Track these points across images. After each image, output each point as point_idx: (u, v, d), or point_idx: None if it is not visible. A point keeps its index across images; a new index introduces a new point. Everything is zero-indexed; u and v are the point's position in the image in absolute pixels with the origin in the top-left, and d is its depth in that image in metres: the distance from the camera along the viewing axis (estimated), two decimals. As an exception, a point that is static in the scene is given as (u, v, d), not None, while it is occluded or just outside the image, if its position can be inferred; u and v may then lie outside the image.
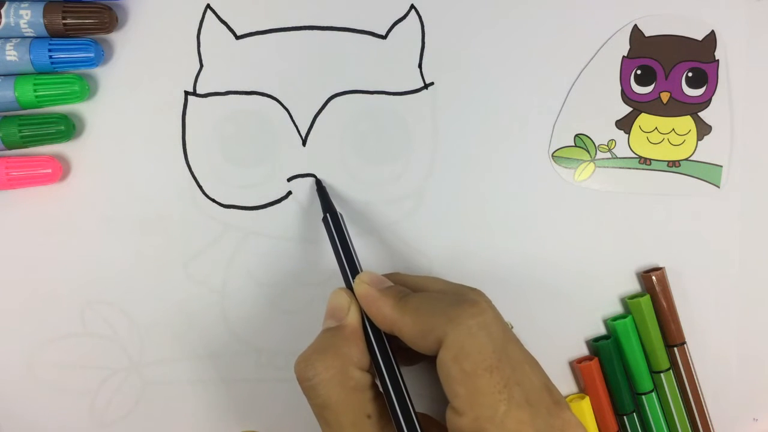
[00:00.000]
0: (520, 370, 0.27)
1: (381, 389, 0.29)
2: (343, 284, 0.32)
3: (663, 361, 0.40)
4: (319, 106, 0.37)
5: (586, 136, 0.39)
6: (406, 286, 0.31)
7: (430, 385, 0.36)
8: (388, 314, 0.29)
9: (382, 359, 0.29)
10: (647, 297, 0.39)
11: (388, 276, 0.32)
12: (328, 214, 0.34)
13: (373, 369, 0.30)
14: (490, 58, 0.38)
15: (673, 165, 0.40)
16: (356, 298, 0.30)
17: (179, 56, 0.36)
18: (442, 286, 0.32)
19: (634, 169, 0.39)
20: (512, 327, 0.30)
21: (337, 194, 0.38)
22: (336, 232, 0.33)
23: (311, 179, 0.37)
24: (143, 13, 0.36)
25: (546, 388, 0.27)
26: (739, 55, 0.39)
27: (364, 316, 0.30)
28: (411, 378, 0.31)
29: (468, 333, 0.26)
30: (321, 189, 0.36)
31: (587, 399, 0.39)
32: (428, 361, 0.34)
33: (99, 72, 0.36)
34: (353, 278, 0.31)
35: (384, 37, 0.37)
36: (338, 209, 0.35)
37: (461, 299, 0.28)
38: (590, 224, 0.39)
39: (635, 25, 0.39)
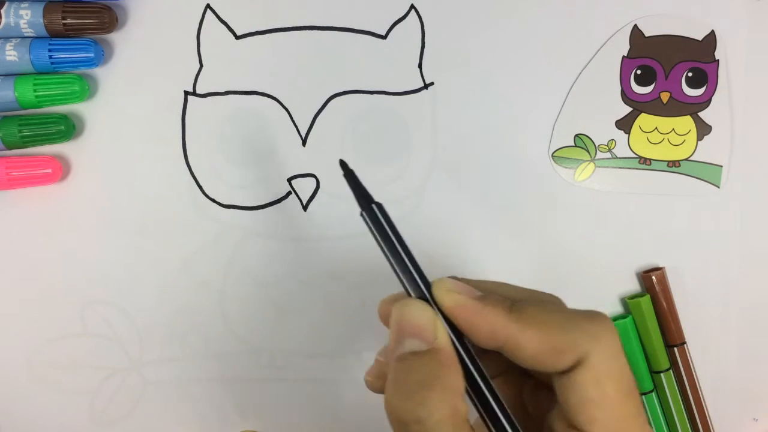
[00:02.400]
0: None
1: (484, 418, 0.25)
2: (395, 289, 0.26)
3: (663, 361, 0.40)
4: (319, 106, 0.37)
5: (586, 136, 0.39)
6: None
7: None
8: (502, 327, 0.24)
9: (483, 384, 0.24)
10: (647, 297, 0.39)
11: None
12: (374, 205, 0.26)
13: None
14: (490, 58, 0.38)
15: (673, 165, 0.40)
16: (437, 311, 0.25)
17: (179, 56, 0.36)
18: (522, 293, 0.27)
19: (634, 169, 0.39)
20: None
21: (337, 194, 0.38)
22: (389, 227, 0.25)
23: (312, 178, 0.37)
24: (143, 13, 0.36)
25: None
26: (739, 55, 0.39)
27: (452, 334, 0.25)
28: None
29: (611, 353, 0.24)
30: (350, 174, 0.27)
31: (587, 399, 0.39)
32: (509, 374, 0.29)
33: (99, 72, 0.36)
34: (425, 286, 0.25)
35: (384, 37, 0.37)
36: (336, 215, 0.34)
37: (593, 313, 0.25)
38: (590, 224, 0.39)
39: (635, 25, 0.39)
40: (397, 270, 0.25)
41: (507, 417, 0.24)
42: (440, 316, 0.24)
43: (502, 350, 0.24)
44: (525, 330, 0.24)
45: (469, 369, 0.24)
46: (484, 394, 0.24)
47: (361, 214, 0.26)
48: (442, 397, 0.23)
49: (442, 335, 0.24)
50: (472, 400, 0.25)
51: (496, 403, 0.24)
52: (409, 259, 0.25)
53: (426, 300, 0.25)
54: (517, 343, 0.24)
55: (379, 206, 0.26)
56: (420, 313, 0.24)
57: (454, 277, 0.26)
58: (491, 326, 0.24)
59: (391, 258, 0.25)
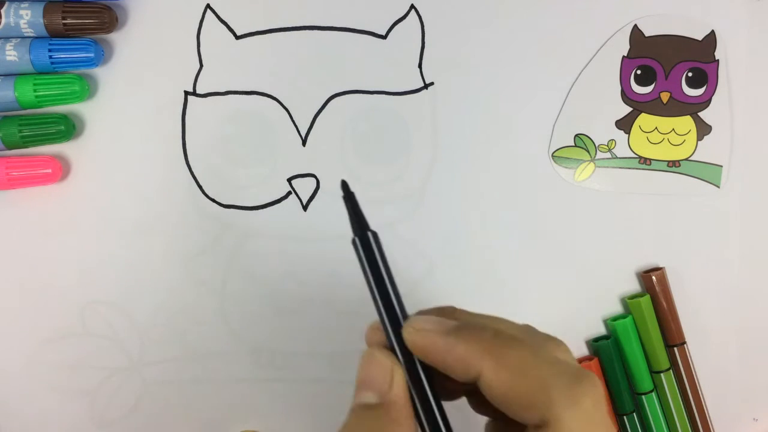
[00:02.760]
0: None
1: None
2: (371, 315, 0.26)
3: (663, 361, 0.40)
4: (319, 106, 0.37)
5: (586, 136, 0.39)
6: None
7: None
8: (475, 363, 0.22)
9: None
10: (647, 297, 0.39)
11: (440, 312, 0.25)
12: (369, 233, 0.24)
13: None
14: (490, 58, 0.38)
15: (673, 165, 0.40)
16: (399, 360, 0.23)
17: (179, 56, 0.36)
18: (514, 331, 0.25)
19: (634, 169, 0.39)
20: None
21: (337, 194, 0.37)
22: (378, 259, 0.24)
23: (312, 178, 0.37)
24: (143, 13, 0.36)
25: None
26: (739, 55, 0.39)
27: (410, 384, 0.23)
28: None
29: (586, 420, 0.21)
30: (350, 197, 0.25)
31: (587, 399, 0.39)
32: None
33: (99, 72, 0.36)
34: (396, 327, 0.24)
35: (384, 37, 0.37)
36: (336, 215, 0.33)
37: (580, 373, 0.22)
38: (590, 224, 0.39)
39: (635, 25, 0.39)
40: (377, 304, 0.24)
41: None
42: (403, 364, 0.23)
43: (466, 380, 0.23)
44: (499, 371, 0.22)
45: (433, 416, 0.23)
46: None
47: (353, 241, 0.24)
48: None
49: (398, 388, 0.23)
50: None
51: None
52: (395, 296, 0.24)
53: (399, 338, 0.23)
54: (488, 382, 0.22)
55: (375, 235, 0.24)
56: (377, 365, 0.23)
57: (444, 309, 0.25)
58: (463, 363, 0.22)
59: (373, 291, 0.24)
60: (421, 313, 0.24)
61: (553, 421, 0.21)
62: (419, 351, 0.23)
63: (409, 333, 0.23)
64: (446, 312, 0.25)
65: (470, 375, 0.22)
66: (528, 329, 0.25)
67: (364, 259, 0.24)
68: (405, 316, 0.24)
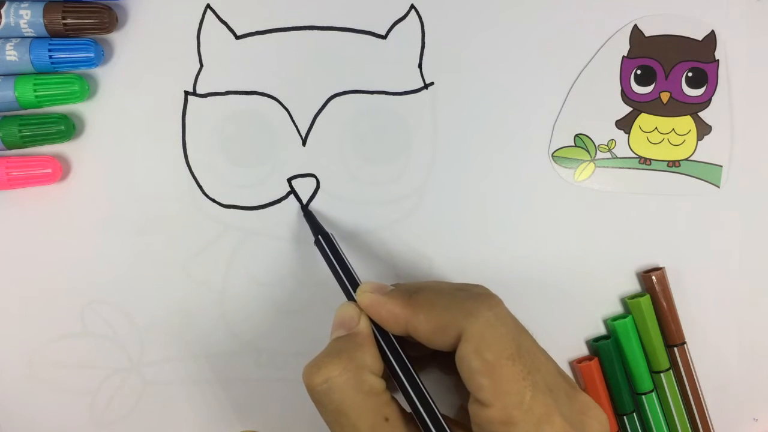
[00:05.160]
0: (536, 358, 0.27)
1: (402, 393, 0.29)
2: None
3: (663, 361, 0.40)
4: (319, 106, 0.37)
5: (586, 136, 0.39)
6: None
7: (446, 389, 0.35)
8: (401, 314, 0.28)
9: (397, 362, 0.29)
10: (647, 297, 0.39)
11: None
12: (319, 236, 0.34)
13: (388, 375, 0.29)
14: (490, 58, 0.38)
15: (673, 165, 0.40)
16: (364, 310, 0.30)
17: (179, 56, 0.36)
18: (446, 285, 0.31)
19: (634, 169, 0.39)
20: None
21: (337, 194, 0.38)
22: (331, 252, 0.33)
23: (312, 178, 0.37)
24: (143, 13, 0.36)
25: (560, 374, 0.29)
26: (739, 55, 0.39)
27: (374, 326, 0.30)
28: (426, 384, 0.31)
29: (487, 324, 0.26)
30: (308, 213, 0.36)
31: (587, 399, 0.39)
32: (441, 362, 0.34)
33: (99, 72, 0.36)
34: (354, 291, 0.31)
35: (384, 37, 0.37)
36: (336, 215, 0.36)
37: (475, 293, 0.29)
38: (590, 224, 0.39)
39: (635, 25, 0.39)
40: (341, 284, 0.32)
41: (416, 387, 0.28)
42: (364, 313, 0.30)
43: (407, 334, 0.29)
44: (417, 314, 0.28)
45: (392, 344, 0.30)
46: (398, 375, 0.29)
47: (315, 243, 0.34)
48: (345, 366, 0.27)
49: (363, 324, 0.29)
50: (396, 377, 0.29)
51: (405, 375, 0.29)
52: (346, 274, 0.32)
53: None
54: (414, 326, 0.28)
55: (326, 237, 0.34)
56: (347, 310, 0.30)
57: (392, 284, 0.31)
58: (394, 314, 0.28)
59: (337, 276, 0.32)
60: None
61: (462, 333, 0.26)
62: (365, 309, 0.30)
63: (358, 293, 0.30)
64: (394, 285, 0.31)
65: (400, 326, 0.28)
66: (458, 284, 0.31)
67: (328, 252, 0.33)
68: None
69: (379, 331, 0.30)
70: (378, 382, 0.28)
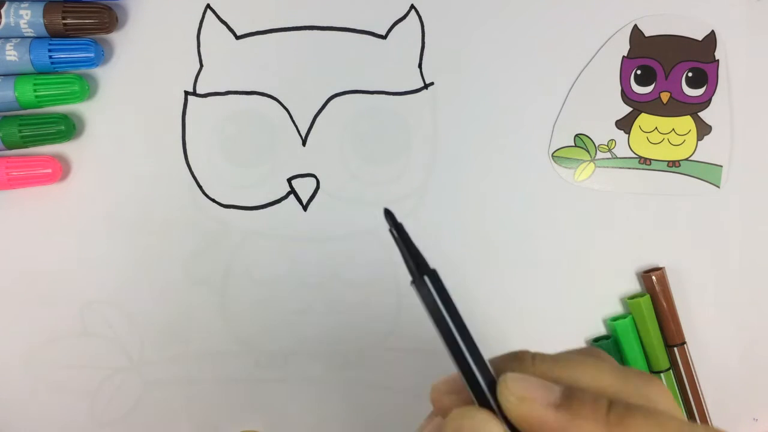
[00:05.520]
0: None
1: None
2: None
3: (663, 361, 0.40)
4: (319, 106, 0.37)
5: (586, 136, 0.39)
6: (560, 382, 0.20)
7: None
8: None
9: None
10: (647, 297, 0.39)
11: (516, 359, 0.21)
12: (426, 277, 0.21)
13: None
14: (490, 58, 0.38)
15: (673, 165, 0.40)
16: (498, 418, 0.19)
17: (179, 56, 0.36)
18: (611, 379, 0.21)
19: (634, 169, 0.39)
20: None
21: (337, 194, 0.38)
22: (446, 308, 0.20)
23: (312, 178, 0.37)
24: (143, 13, 0.36)
25: None
26: (739, 55, 0.39)
27: None
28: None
29: None
30: (403, 235, 0.21)
31: (587, 399, 0.39)
32: None
33: (99, 72, 0.36)
34: (489, 388, 0.20)
35: (384, 37, 0.37)
36: (336, 215, 0.34)
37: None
38: (590, 224, 0.39)
39: (635, 25, 0.39)
40: (454, 360, 0.20)
41: None
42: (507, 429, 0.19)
43: None
44: None
45: None
46: None
47: (412, 284, 0.21)
48: None
49: None
50: None
51: None
52: (470, 350, 0.20)
53: (488, 402, 0.19)
54: None
55: (434, 275, 0.21)
56: (476, 427, 0.19)
57: (519, 355, 0.21)
58: None
59: (446, 343, 0.20)
60: (511, 370, 0.20)
61: None
62: (524, 425, 0.19)
63: (510, 402, 0.19)
64: (522, 359, 0.21)
65: None
66: (623, 374, 0.21)
67: (441, 306, 0.20)
68: (490, 375, 0.20)
69: None
70: None
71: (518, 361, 0.21)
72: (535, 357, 0.21)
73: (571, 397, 0.19)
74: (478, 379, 0.19)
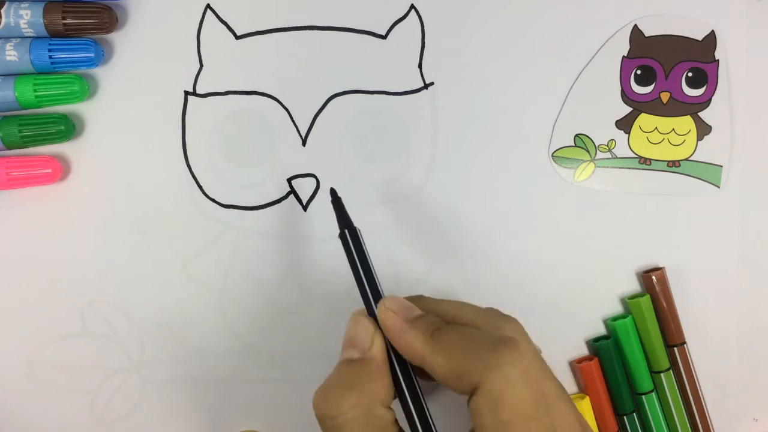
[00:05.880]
0: (556, 409, 0.26)
1: (408, 422, 0.28)
2: (359, 304, 0.30)
3: (663, 361, 0.40)
4: (319, 106, 0.37)
5: (586, 136, 0.39)
6: (432, 313, 0.29)
7: (456, 412, 0.34)
8: (419, 350, 0.26)
9: (410, 398, 0.27)
10: (647, 297, 0.39)
11: (412, 300, 0.30)
12: (346, 231, 0.30)
13: (396, 403, 0.28)
14: (490, 58, 0.38)
15: (673, 165, 0.40)
16: (379, 326, 0.28)
17: (179, 56, 0.36)
18: (472, 315, 0.29)
19: (634, 169, 0.39)
20: (540, 352, 0.28)
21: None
22: (356, 251, 0.29)
23: (312, 178, 0.37)
24: (143, 13, 0.36)
25: (579, 423, 0.27)
26: (739, 55, 0.39)
27: (389, 346, 0.28)
28: (435, 408, 0.29)
29: (507, 382, 0.24)
30: (337, 201, 0.32)
31: (587, 399, 0.39)
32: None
33: (99, 72, 0.36)
34: (376, 303, 0.28)
35: (384, 37, 0.37)
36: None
37: (499, 340, 0.26)
38: (590, 224, 0.39)
39: (635, 25, 0.39)
40: (360, 287, 0.29)
41: (426, 426, 0.27)
42: (379, 331, 0.28)
43: (423, 367, 0.27)
44: (435, 355, 0.26)
45: (408, 374, 0.27)
46: (408, 406, 0.27)
47: (339, 236, 0.30)
48: (357, 400, 0.26)
49: (377, 348, 0.27)
50: (406, 410, 0.27)
51: (418, 414, 0.27)
52: (368, 279, 0.29)
53: (372, 313, 0.28)
54: (430, 365, 0.26)
55: (353, 232, 0.30)
56: (361, 327, 0.28)
57: (413, 297, 0.30)
58: (412, 347, 0.27)
59: (357, 277, 0.29)
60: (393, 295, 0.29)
61: (479, 386, 0.24)
62: (383, 327, 0.28)
63: (380, 310, 0.28)
64: (417, 300, 0.30)
65: (416, 360, 0.27)
66: (485, 312, 0.29)
67: (352, 249, 0.30)
68: (382, 296, 0.29)
69: (395, 355, 0.28)
70: (388, 416, 0.27)
71: (414, 298, 0.30)
72: (424, 297, 0.31)
73: (420, 317, 0.27)
74: (370, 299, 0.29)
